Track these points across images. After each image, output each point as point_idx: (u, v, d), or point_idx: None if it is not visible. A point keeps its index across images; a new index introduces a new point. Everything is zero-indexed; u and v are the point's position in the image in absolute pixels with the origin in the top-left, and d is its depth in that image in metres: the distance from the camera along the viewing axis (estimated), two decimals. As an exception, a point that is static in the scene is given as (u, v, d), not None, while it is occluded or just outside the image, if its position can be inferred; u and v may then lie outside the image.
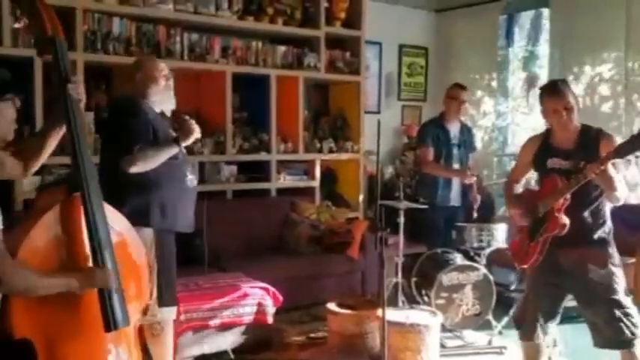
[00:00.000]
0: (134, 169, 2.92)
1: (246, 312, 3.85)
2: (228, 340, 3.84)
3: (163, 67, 3.23)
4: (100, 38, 4.46)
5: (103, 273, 2.02)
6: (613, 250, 2.96)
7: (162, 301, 3.02)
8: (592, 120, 3.43)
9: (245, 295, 3.86)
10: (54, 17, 2.19)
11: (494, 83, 6.42)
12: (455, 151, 4.85)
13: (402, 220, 4.25)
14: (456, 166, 4.86)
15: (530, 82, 6.53)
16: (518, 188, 3.27)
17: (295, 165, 5.57)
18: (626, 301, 2.90)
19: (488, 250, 4.41)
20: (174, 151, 3.04)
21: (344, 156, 5.81)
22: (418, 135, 5.09)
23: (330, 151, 5.73)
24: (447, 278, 4.21)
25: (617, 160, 2.78)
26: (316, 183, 5.63)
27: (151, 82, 3.13)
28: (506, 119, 6.62)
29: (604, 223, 2.96)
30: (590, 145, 2.92)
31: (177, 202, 3.07)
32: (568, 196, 2.85)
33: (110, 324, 2.04)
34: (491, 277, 4.32)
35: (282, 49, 5.39)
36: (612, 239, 2.98)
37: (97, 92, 4.66)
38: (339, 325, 3.79)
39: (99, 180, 2.17)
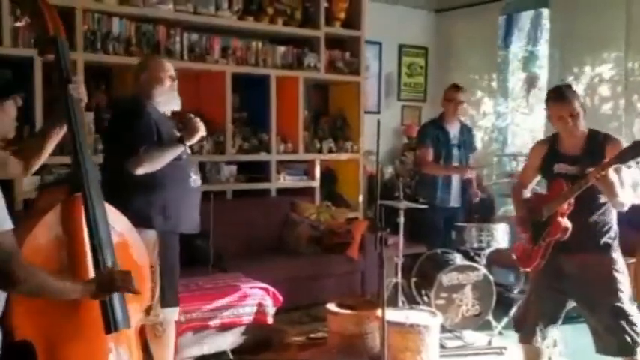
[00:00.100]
0: (140, 171, 2.91)
1: (246, 312, 3.85)
2: (228, 341, 3.83)
3: (169, 67, 3.20)
4: (100, 38, 4.45)
5: (121, 273, 2.00)
6: (617, 256, 2.93)
7: (165, 302, 3.02)
8: (592, 121, 3.41)
9: (245, 296, 3.86)
10: (56, 17, 2.20)
11: (494, 84, 6.42)
12: (455, 151, 4.85)
13: (401, 220, 4.25)
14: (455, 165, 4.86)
15: (530, 82, 6.52)
16: (526, 193, 3.24)
17: (295, 165, 5.57)
18: (630, 308, 2.86)
19: (488, 251, 4.41)
20: (179, 150, 3.03)
21: (344, 156, 5.81)
22: (418, 136, 5.10)
23: (330, 151, 5.73)
24: (446, 278, 4.22)
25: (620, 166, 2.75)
26: (316, 183, 5.63)
27: (156, 82, 3.12)
28: (505, 119, 6.61)
29: (609, 228, 2.93)
30: (596, 150, 2.89)
31: (180, 204, 3.06)
32: (572, 201, 2.83)
33: (111, 325, 2.04)
34: (491, 278, 4.32)
35: (282, 49, 5.39)
36: (617, 245, 2.95)
37: (97, 92, 4.66)
38: (339, 326, 3.79)
39: (102, 181, 2.17)
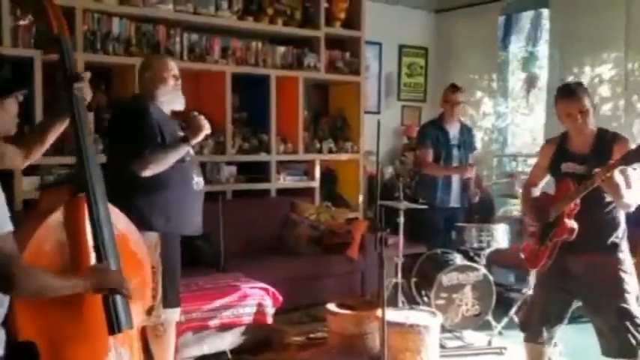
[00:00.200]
0: (147, 173, 2.90)
1: (246, 312, 3.85)
2: (228, 341, 3.83)
3: (172, 66, 3.18)
4: (100, 38, 4.45)
5: (110, 273, 2.01)
6: (624, 256, 2.90)
7: (167, 302, 3.02)
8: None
9: (245, 296, 3.86)
10: (60, 15, 2.19)
11: (494, 84, 6.42)
12: (455, 152, 4.85)
13: (401, 220, 4.25)
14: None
15: (530, 82, 6.52)
16: (536, 192, 3.22)
17: (295, 165, 5.57)
18: (637, 309, 2.83)
19: (488, 251, 4.42)
20: (185, 150, 3.02)
21: (344, 156, 5.81)
22: (418, 136, 5.09)
23: (330, 151, 5.73)
24: (446, 278, 4.22)
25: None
26: (316, 183, 5.63)
27: (160, 82, 3.10)
28: (505, 120, 6.61)
29: (617, 228, 2.90)
30: (604, 149, 2.85)
31: (182, 206, 3.04)
32: (578, 201, 2.81)
33: (114, 326, 2.04)
34: (491, 278, 4.32)
35: (281, 49, 5.39)
36: (626, 245, 2.92)
37: (97, 92, 4.64)
38: (339, 326, 3.79)
39: (104, 181, 2.16)
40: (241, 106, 5.41)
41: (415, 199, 4.79)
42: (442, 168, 4.80)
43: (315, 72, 5.54)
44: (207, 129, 3.07)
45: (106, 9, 4.48)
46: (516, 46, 6.54)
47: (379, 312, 3.22)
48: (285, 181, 5.47)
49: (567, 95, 2.90)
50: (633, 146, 2.76)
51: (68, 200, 2.08)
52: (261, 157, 5.28)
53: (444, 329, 4.03)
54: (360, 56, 5.80)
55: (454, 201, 4.85)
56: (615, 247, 2.89)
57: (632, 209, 2.84)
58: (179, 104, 3.19)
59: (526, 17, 6.43)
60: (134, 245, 2.29)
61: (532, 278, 4.19)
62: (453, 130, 4.87)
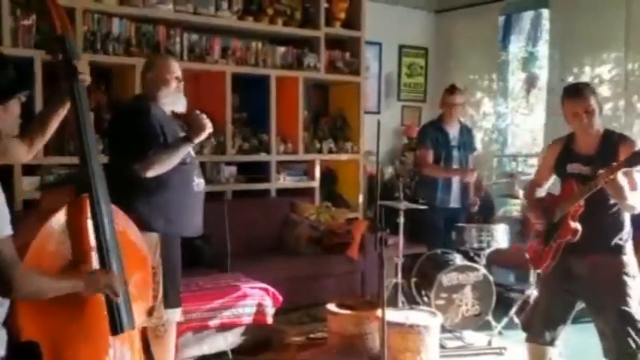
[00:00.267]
0: (151, 173, 2.89)
1: (246, 312, 3.85)
2: (228, 341, 3.83)
3: (176, 68, 3.16)
4: (100, 39, 4.45)
5: (108, 277, 2.01)
6: (629, 259, 2.88)
7: (168, 303, 3.02)
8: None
9: (245, 296, 3.86)
10: (63, 15, 2.18)
11: (494, 84, 6.42)
12: (454, 152, 4.85)
13: (401, 220, 4.25)
14: (455, 167, 4.86)
15: (530, 83, 6.53)
16: (541, 192, 3.22)
17: (295, 165, 5.57)
18: (639, 313, 2.81)
19: (488, 251, 4.42)
20: (188, 149, 3.01)
21: (344, 156, 5.81)
22: (417, 137, 5.09)
23: (330, 151, 5.73)
24: (446, 279, 4.22)
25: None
26: (316, 183, 5.63)
27: (162, 84, 3.09)
28: (505, 120, 6.61)
29: (621, 230, 2.89)
30: (610, 150, 2.84)
31: (183, 207, 3.04)
32: (582, 202, 2.80)
33: (117, 327, 2.05)
34: (490, 278, 4.32)
35: (281, 49, 5.39)
36: (631, 247, 2.90)
37: (97, 93, 4.66)
38: (339, 326, 3.79)
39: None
40: (241, 106, 5.41)
41: (415, 199, 4.79)
42: (442, 170, 4.80)
43: (315, 72, 5.54)
44: (209, 128, 3.06)
45: (106, 9, 4.48)
46: (516, 47, 6.55)
47: (379, 312, 3.22)
48: (285, 181, 5.47)
49: (574, 95, 2.90)
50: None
51: (71, 200, 2.07)
52: (261, 157, 5.28)
53: (444, 329, 4.03)
54: (360, 56, 5.80)
55: (454, 201, 4.85)
56: (619, 248, 2.87)
57: (637, 211, 2.83)
58: (181, 106, 3.17)
59: (526, 17, 6.44)
60: (137, 240, 2.29)
61: (532, 278, 4.22)
62: (453, 131, 4.87)
